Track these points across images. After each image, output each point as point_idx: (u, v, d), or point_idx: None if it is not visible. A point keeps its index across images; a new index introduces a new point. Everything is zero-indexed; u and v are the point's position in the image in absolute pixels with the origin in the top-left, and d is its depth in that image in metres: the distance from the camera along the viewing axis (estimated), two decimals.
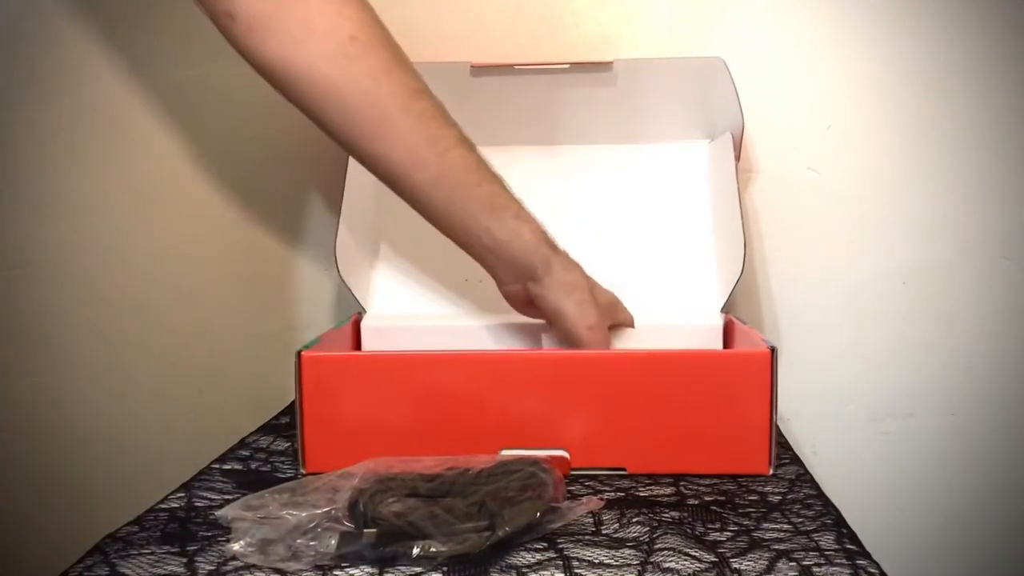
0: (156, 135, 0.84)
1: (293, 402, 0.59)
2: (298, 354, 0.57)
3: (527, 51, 0.81)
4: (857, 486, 0.84)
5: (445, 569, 0.44)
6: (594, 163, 0.79)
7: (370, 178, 0.63)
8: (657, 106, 0.77)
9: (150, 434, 0.87)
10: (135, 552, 0.46)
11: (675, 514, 0.51)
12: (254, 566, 0.44)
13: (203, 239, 0.86)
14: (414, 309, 0.74)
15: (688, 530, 0.49)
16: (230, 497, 0.54)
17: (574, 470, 0.58)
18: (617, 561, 0.45)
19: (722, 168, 0.74)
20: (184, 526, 0.50)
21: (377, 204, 0.78)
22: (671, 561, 0.44)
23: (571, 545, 0.46)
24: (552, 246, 0.63)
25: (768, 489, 0.55)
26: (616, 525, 0.49)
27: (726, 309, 0.71)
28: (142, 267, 0.86)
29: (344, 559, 0.44)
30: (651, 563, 0.44)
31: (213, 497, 0.55)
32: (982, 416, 0.83)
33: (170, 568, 0.44)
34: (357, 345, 0.73)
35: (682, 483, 0.56)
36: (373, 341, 0.73)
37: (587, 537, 0.48)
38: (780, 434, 0.63)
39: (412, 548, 0.44)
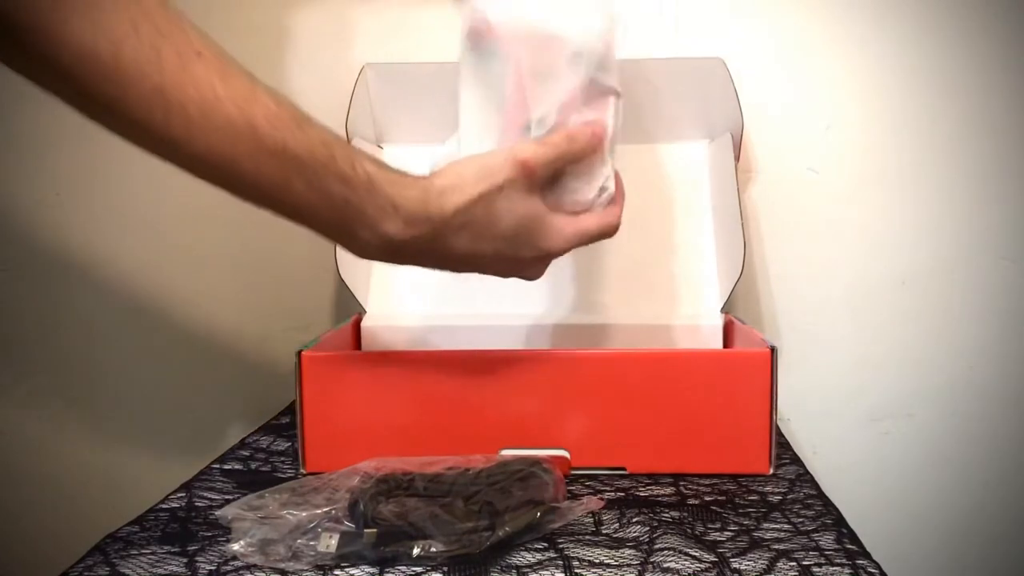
0: None
1: (293, 402, 0.59)
2: (298, 354, 0.57)
3: None
4: (857, 486, 0.84)
5: (445, 569, 0.44)
6: None
7: None
8: (657, 106, 0.77)
9: (150, 434, 0.87)
10: (135, 552, 0.46)
11: (675, 514, 0.51)
12: (254, 566, 0.44)
13: (203, 239, 0.86)
14: (414, 309, 0.74)
15: (688, 530, 0.49)
16: (230, 497, 0.54)
17: (574, 470, 0.58)
18: (617, 561, 0.45)
19: (722, 168, 0.74)
20: (184, 526, 0.50)
21: None
22: (671, 561, 0.44)
23: (571, 545, 0.46)
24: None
25: (768, 489, 0.55)
26: (616, 525, 0.49)
27: (726, 309, 0.71)
28: (142, 267, 0.86)
29: (344, 559, 0.44)
30: (651, 563, 0.44)
31: (213, 497, 0.55)
32: (982, 416, 0.83)
33: (170, 568, 0.44)
34: (357, 345, 0.73)
35: (682, 483, 0.56)
36: (373, 341, 0.73)
37: (587, 537, 0.48)
38: (780, 434, 0.63)
39: (412, 548, 0.44)
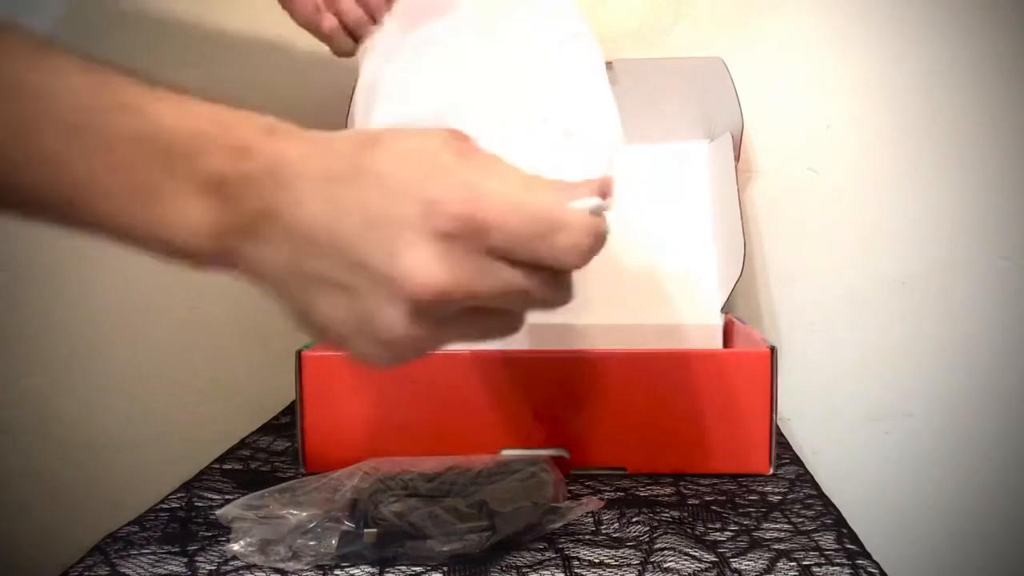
0: None
1: (293, 402, 0.59)
2: (298, 354, 0.57)
3: None
4: (857, 486, 0.84)
5: (445, 569, 0.44)
6: None
7: None
8: (657, 106, 0.77)
9: (150, 434, 0.87)
10: (135, 552, 0.46)
11: (675, 514, 0.51)
12: (254, 566, 0.44)
13: None
14: None
15: (688, 530, 0.49)
16: (230, 497, 0.54)
17: (574, 470, 0.58)
18: (617, 561, 0.45)
19: (722, 168, 0.74)
20: (184, 526, 0.50)
21: None
22: (671, 561, 0.44)
23: (571, 545, 0.46)
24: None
25: (768, 489, 0.55)
26: (616, 525, 0.49)
27: (726, 309, 0.71)
28: (142, 267, 0.86)
29: (344, 559, 0.44)
30: (651, 563, 0.44)
31: (213, 497, 0.55)
32: (982, 416, 0.83)
33: (170, 568, 0.44)
34: None
35: (682, 483, 0.56)
36: None
37: (587, 537, 0.48)
38: (780, 434, 0.63)
39: (412, 548, 0.44)
